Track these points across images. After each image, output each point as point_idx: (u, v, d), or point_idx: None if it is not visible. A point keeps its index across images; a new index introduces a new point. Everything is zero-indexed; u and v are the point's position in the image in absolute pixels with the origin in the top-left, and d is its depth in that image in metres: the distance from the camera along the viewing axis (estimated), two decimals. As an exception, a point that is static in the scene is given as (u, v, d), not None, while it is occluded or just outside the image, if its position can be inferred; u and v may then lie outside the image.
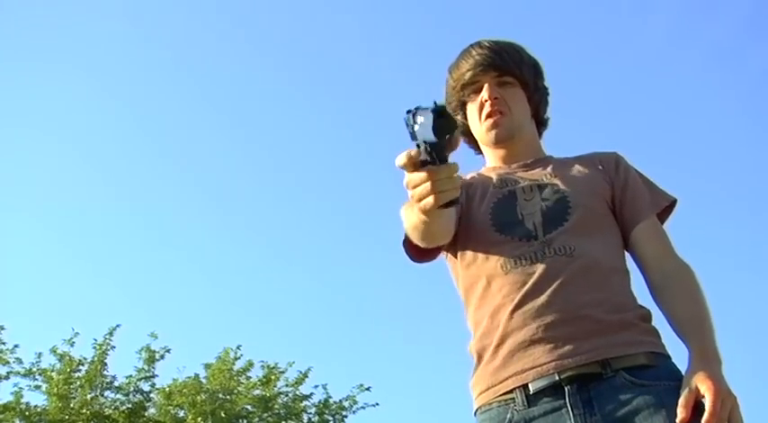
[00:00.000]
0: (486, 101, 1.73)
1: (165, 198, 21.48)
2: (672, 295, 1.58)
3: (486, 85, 1.74)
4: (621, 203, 1.69)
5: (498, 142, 1.76)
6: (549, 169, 1.73)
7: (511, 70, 1.74)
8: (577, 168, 1.73)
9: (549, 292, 1.53)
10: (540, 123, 1.85)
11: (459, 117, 1.80)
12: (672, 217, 1.75)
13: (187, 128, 21.15)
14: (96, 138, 21.20)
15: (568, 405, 1.45)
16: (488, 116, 1.74)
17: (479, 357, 1.59)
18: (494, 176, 1.74)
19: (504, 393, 1.51)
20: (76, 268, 20.36)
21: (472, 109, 1.77)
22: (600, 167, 1.74)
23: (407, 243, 1.66)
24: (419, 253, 1.65)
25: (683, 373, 1.47)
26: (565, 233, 1.59)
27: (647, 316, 1.59)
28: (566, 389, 1.46)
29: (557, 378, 1.46)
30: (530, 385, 1.48)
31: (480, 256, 1.63)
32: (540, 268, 1.55)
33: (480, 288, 1.62)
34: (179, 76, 21.94)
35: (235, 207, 21.61)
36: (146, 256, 20.29)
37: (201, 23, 21.48)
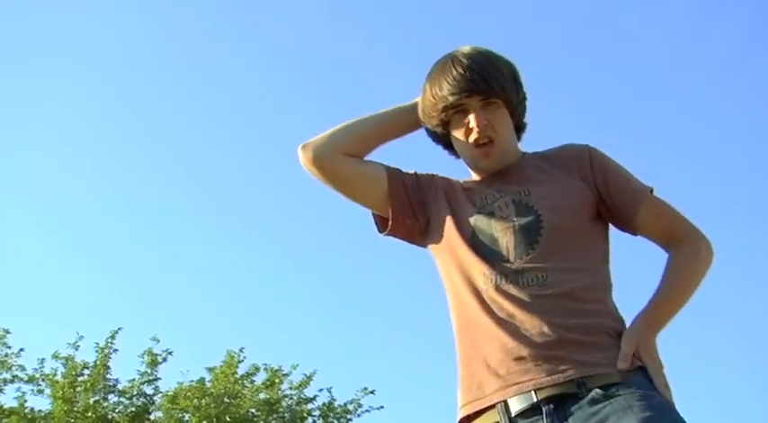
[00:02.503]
0: (472, 128, 1.73)
1: (168, 200, 21.49)
2: (668, 268, 1.71)
3: (473, 113, 1.72)
4: (611, 196, 1.73)
5: (488, 171, 1.78)
6: (524, 181, 1.75)
7: (495, 93, 1.72)
8: (552, 177, 1.74)
9: (523, 320, 1.58)
10: (520, 129, 1.84)
11: (439, 130, 1.80)
12: None
13: (190, 130, 21.17)
14: (99, 141, 21.25)
15: None
16: (478, 145, 1.74)
17: (462, 371, 1.67)
18: (476, 193, 1.77)
19: (488, 409, 1.58)
20: (78, 271, 20.35)
21: (457, 130, 1.77)
22: (575, 172, 1.75)
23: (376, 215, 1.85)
24: (384, 224, 1.82)
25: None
26: (536, 258, 1.63)
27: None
28: (543, 409, 1.51)
29: (535, 399, 1.52)
30: (510, 408, 1.54)
31: (456, 272, 1.70)
32: (512, 296, 1.61)
33: (457, 303, 1.72)
34: (182, 77, 21.97)
35: (237, 209, 21.63)
36: (147, 258, 20.32)
37: (205, 24, 21.51)
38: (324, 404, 13.16)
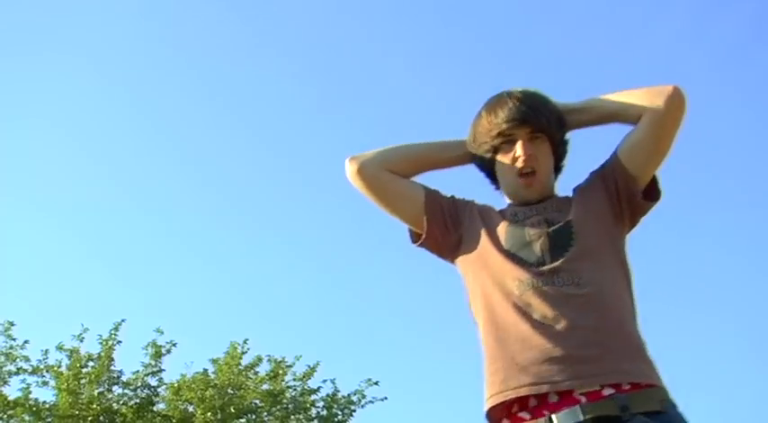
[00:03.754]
0: (519, 157, 1.85)
1: (172, 192, 21.51)
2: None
3: (520, 142, 1.85)
4: (615, 176, 1.84)
5: (527, 200, 1.88)
6: (554, 203, 1.88)
7: (543, 127, 1.86)
8: (578, 199, 1.88)
9: (557, 320, 1.68)
10: (557, 170, 1.96)
11: (488, 156, 1.91)
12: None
13: (194, 122, 21.17)
14: (101, 133, 21.24)
15: None
16: (522, 174, 1.86)
17: (487, 367, 1.74)
18: (508, 211, 1.90)
19: (519, 399, 1.65)
20: (83, 263, 20.41)
21: (504, 158, 1.89)
22: (598, 189, 1.87)
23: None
24: (418, 237, 1.94)
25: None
26: (571, 259, 1.74)
27: (645, 347, 1.74)
28: None
29: (581, 417, 1.59)
30: (554, 420, 1.61)
31: (488, 281, 1.80)
32: (547, 297, 1.70)
33: (486, 311, 1.79)
34: (190, 71, 21.93)
35: (242, 201, 21.66)
36: (151, 250, 20.37)
37: (214, 19, 21.45)
38: (327, 395, 13.21)
